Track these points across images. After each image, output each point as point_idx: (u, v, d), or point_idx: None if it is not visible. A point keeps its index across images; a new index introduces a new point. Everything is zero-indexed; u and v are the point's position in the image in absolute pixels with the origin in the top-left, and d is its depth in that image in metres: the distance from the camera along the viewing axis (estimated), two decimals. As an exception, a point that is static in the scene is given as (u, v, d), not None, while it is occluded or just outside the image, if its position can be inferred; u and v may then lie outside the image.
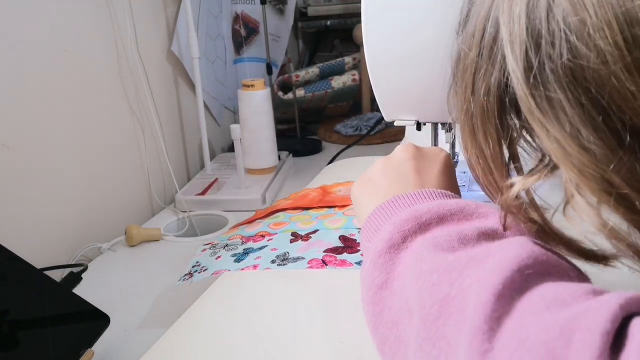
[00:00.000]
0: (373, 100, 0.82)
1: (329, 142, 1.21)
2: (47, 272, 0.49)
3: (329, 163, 0.92)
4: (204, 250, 0.56)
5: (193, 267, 0.52)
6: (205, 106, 1.03)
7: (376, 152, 0.93)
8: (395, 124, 0.60)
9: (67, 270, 0.58)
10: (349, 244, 0.51)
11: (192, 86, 1.00)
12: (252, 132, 0.95)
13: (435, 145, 0.63)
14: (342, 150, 1.05)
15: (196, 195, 0.90)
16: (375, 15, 0.54)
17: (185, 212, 0.86)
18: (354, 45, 1.39)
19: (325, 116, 1.34)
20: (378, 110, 0.60)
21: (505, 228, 0.36)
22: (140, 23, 0.85)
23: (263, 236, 0.56)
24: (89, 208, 0.76)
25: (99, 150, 0.78)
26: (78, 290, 0.52)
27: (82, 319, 0.47)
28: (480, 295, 0.28)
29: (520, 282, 0.28)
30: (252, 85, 0.94)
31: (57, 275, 0.60)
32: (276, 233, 0.55)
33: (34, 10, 0.66)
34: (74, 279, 0.56)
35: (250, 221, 0.63)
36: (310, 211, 0.60)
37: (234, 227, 0.63)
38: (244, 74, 1.25)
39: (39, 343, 0.43)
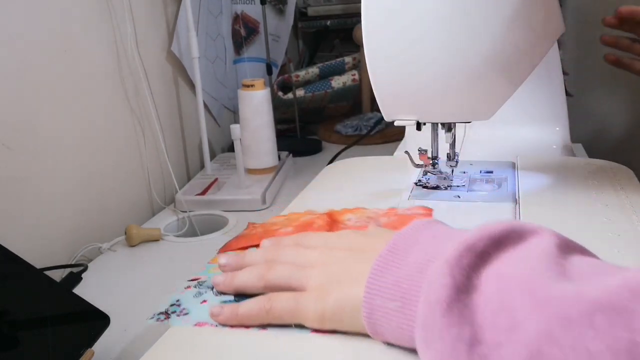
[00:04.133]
0: (373, 100, 0.83)
1: (329, 142, 1.21)
2: (47, 272, 0.49)
3: (329, 163, 0.92)
4: (189, 287, 0.47)
5: (172, 305, 0.44)
6: (205, 106, 1.03)
7: (376, 152, 0.93)
8: (395, 124, 0.60)
9: (67, 270, 0.58)
10: None
11: (192, 86, 1.00)
12: (252, 132, 0.95)
13: (436, 144, 0.63)
14: (342, 150, 1.05)
15: (196, 195, 0.90)
16: (375, 15, 0.54)
17: (185, 212, 0.86)
18: (354, 45, 1.39)
19: (325, 116, 1.34)
20: (378, 110, 0.60)
21: None
22: (140, 23, 0.85)
23: None
24: (89, 208, 0.76)
25: (99, 150, 0.78)
26: (78, 290, 0.52)
27: (82, 319, 0.47)
28: None
29: None
30: (252, 85, 0.94)
31: (57, 275, 0.60)
32: None
33: (34, 10, 0.66)
34: (74, 279, 0.56)
35: (241, 246, 0.52)
36: None
37: (223, 249, 0.52)
38: (244, 74, 1.25)
39: (39, 343, 0.43)
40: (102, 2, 0.78)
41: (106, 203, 0.79)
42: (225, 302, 0.42)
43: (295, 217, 0.55)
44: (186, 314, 0.43)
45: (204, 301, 0.44)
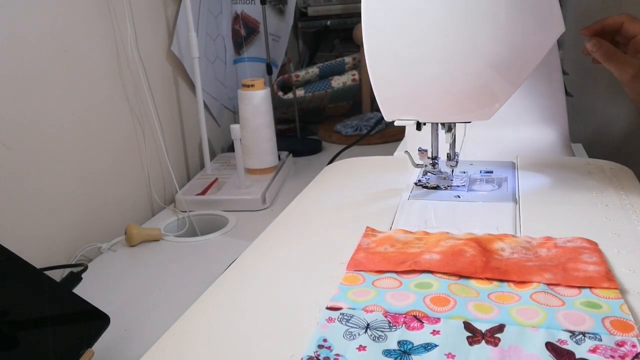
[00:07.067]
0: (373, 100, 0.83)
1: (329, 142, 1.21)
2: (47, 272, 0.49)
3: (329, 163, 0.92)
4: (331, 319, 0.39)
5: (319, 346, 0.36)
6: (205, 106, 1.03)
7: (376, 152, 0.93)
8: (395, 124, 0.60)
9: (67, 270, 0.58)
10: None
11: (192, 86, 1.00)
12: (252, 132, 0.95)
13: (436, 144, 0.63)
14: (342, 150, 1.05)
15: (196, 195, 0.90)
16: (375, 15, 0.54)
17: (185, 212, 0.86)
18: (354, 45, 1.39)
19: (325, 116, 1.34)
20: (378, 110, 0.60)
21: None
22: (140, 23, 0.85)
23: (420, 321, 0.38)
24: (89, 208, 0.76)
25: (99, 150, 0.78)
26: (78, 290, 0.52)
27: (82, 319, 0.47)
28: None
29: None
30: (252, 85, 0.94)
31: (57, 275, 0.60)
32: (439, 318, 0.38)
33: (34, 10, 0.66)
34: (74, 279, 0.56)
35: (377, 269, 0.45)
36: (473, 283, 0.43)
37: (352, 266, 0.46)
38: (244, 74, 1.25)
39: (39, 343, 0.43)
40: (102, 2, 0.78)
41: (106, 203, 0.79)
42: (388, 352, 0.35)
43: (430, 240, 0.50)
44: (340, 358, 0.35)
45: (362, 347, 0.36)
